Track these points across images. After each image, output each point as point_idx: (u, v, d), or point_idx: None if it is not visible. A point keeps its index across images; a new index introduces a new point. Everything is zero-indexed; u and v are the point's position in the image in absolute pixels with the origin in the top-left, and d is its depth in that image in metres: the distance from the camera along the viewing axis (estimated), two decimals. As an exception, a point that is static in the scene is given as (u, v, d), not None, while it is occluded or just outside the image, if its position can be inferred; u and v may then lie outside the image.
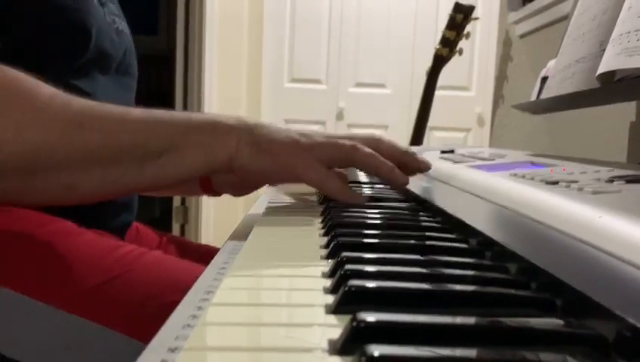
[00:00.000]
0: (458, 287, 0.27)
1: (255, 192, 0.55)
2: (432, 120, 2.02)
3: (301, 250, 0.38)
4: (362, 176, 0.80)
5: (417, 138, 1.97)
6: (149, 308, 0.49)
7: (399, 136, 2.74)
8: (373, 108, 2.79)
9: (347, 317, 0.22)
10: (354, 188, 0.63)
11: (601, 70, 0.60)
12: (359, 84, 2.80)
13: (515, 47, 1.86)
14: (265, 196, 0.66)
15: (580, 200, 0.36)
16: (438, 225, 0.44)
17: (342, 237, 0.36)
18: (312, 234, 0.43)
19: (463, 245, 0.37)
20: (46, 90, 0.47)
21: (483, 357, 0.20)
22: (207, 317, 0.25)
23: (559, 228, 0.34)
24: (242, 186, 0.62)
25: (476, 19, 2.02)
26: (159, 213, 3.56)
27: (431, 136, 2.68)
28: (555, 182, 0.44)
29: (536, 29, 1.63)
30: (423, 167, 0.58)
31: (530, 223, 0.38)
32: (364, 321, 0.21)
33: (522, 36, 1.76)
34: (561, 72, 0.74)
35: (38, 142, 0.45)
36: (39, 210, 0.56)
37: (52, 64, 0.59)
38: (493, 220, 0.43)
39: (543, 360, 0.19)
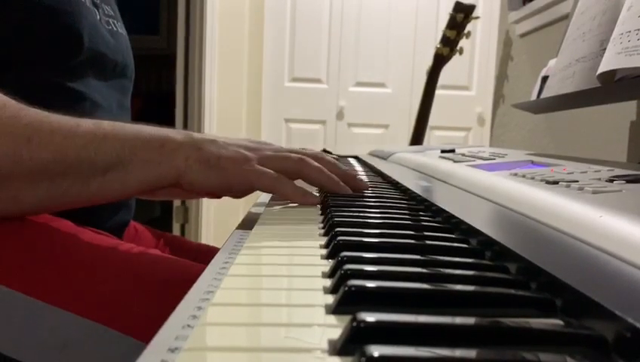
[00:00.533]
0: (458, 287, 0.27)
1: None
2: (433, 119, 2.02)
3: (301, 249, 0.38)
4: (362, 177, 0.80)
5: (417, 137, 1.97)
6: (147, 307, 0.49)
7: (399, 135, 2.74)
8: (373, 107, 2.80)
9: (347, 318, 0.21)
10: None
11: (601, 69, 0.60)
12: (359, 84, 2.80)
13: (515, 46, 1.85)
14: (265, 195, 0.66)
15: (581, 200, 0.36)
16: (438, 225, 0.44)
17: (342, 237, 0.36)
18: (312, 234, 0.43)
19: (463, 245, 0.37)
20: None
21: (483, 357, 0.20)
22: (207, 317, 0.25)
23: (559, 228, 0.34)
24: (187, 195, 0.62)
25: (477, 18, 2.02)
26: (159, 213, 3.56)
27: (431, 136, 2.68)
28: (556, 182, 0.44)
29: (537, 29, 1.63)
30: (361, 187, 0.61)
31: (530, 223, 0.38)
32: (364, 321, 0.21)
33: (522, 36, 1.76)
34: (562, 72, 0.74)
35: None
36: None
37: (44, 67, 0.59)
38: (494, 220, 0.43)
39: (543, 361, 0.19)
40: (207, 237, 2.69)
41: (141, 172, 0.49)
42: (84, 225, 0.58)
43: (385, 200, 0.57)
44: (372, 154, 1.32)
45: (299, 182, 0.56)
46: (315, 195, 0.56)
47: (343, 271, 0.28)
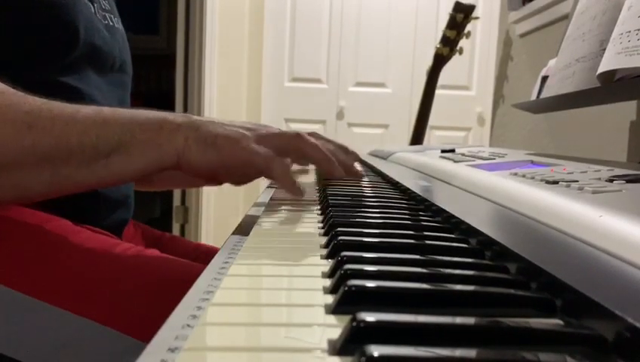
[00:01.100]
0: (458, 287, 0.27)
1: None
2: (433, 119, 2.02)
3: (301, 249, 0.38)
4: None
5: (418, 137, 1.97)
6: (146, 307, 0.49)
7: (399, 135, 2.74)
8: (373, 107, 2.80)
9: (347, 317, 0.21)
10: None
11: (601, 69, 0.60)
12: (359, 84, 2.80)
13: (515, 46, 1.86)
14: (265, 195, 0.66)
15: (581, 200, 0.36)
16: (438, 225, 0.44)
17: (342, 237, 0.36)
18: (311, 233, 0.43)
19: (463, 245, 0.37)
20: None
21: (483, 357, 0.20)
22: (207, 317, 0.24)
23: (559, 228, 0.34)
24: (189, 182, 0.62)
25: (476, 18, 2.02)
26: (159, 213, 3.56)
27: (431, 136, 2.68)
28: (556, 182, 0.44)
29: (537, 29, 1.63)
30: (356, 173, 0.62)
31: (530, 223, 0.38)
32: (363, 321, 0.21)
33: (522, 36, 1.76)
34: (562, 72, 0.74)
35: None
36: (35, 209, 0.56)
37: (40, 61, 0.59)
38: (494, 220, 0.43)
39: (543, 360, 0.19)
40: (207, 237, 2.69)
41: (142, 154, 0.49)
42: (82, 222, 0.58)
43: (385, 200, 0.57)
44: (372, 154, 1.32)
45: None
46: (300, 190, 0.56)
47: (342, 271, 0.28)
